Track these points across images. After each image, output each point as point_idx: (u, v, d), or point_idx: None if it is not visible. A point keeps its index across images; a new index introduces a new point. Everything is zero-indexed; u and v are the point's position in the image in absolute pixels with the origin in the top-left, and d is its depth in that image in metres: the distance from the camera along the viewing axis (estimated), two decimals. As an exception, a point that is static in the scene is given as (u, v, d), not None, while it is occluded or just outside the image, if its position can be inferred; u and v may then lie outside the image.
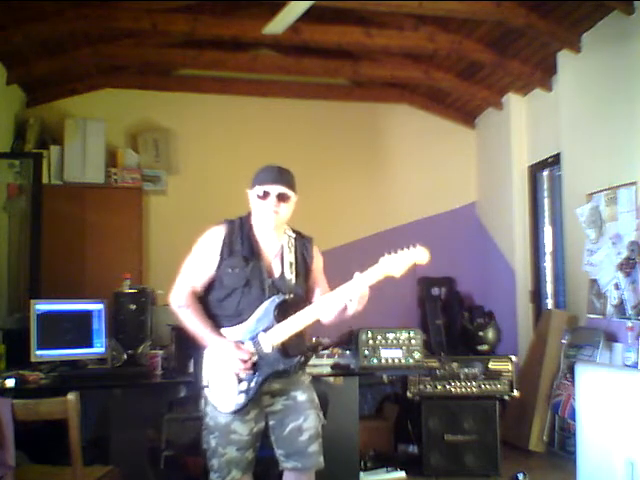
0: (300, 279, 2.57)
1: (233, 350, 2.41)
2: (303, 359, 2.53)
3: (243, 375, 2.43)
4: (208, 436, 2.50)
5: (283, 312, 2.45)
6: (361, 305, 2.43)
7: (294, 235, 2.64)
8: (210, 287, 2.56)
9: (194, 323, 2.51)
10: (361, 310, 2.46)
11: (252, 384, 2.43)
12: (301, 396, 2.57)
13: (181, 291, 2.55)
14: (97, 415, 3.49)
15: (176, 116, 6.29)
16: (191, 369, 3.20)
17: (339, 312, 2.48)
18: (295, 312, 2.46)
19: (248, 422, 2.48)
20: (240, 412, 2.45)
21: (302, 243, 2.64)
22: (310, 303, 2.56)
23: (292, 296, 2.51)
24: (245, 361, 2.41)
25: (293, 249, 2.59)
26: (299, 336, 2.51)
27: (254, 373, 2.43)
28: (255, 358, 2.43)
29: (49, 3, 4.58)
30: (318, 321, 2.53)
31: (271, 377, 2.46)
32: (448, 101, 6.83)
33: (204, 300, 2.57)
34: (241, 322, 2.48)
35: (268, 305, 2.45)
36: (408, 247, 2.37)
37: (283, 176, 2.53)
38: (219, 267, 2.51)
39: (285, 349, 2.45)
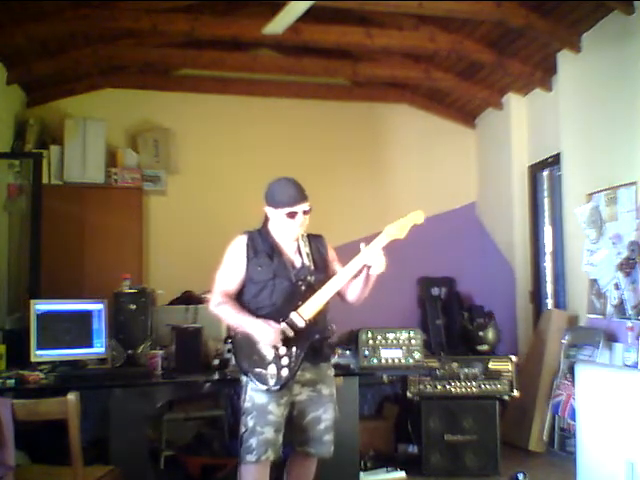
0: (319, 266, 2.90)
1: (264, 326, 2.69)
2: (334, 326, 2.92)
3: (279, 345, 2.68)
4: (246, 418, 2.73)
5: (309, 292, 2.79)
6: (382, 267, 2.75)
7: (305, 234, 2.97)
8: (243, 290, 2.87)
9: (231, 314, 2.80)
10: (384, 270, 2.76)
11: (293, 358, 2.71)
12: (325, 390, 2.86)
13: (216, 293, 2.86)
14: (97, 415, 3.49)
15: (176, 116, 6.28)
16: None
17: (361, 287, 2.84)
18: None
19: (281, 406, 2.73)
20: (283, 388, 2.69)
21: (315, 239, 3.00)
22: None
23: (314, 278, 2.83)
24: (279, 333, 2.67)
25: (308, 243, 2.95)
26: (323, 313, 2.84)
27: (291, 348, 2.70)
28: (291, 334, 2.69)
29: (49, 3, 4.58)
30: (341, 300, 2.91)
31: (309, 349, 2.73)
32: (448, 101, 6.83)
33: (241, 301, 2.85)
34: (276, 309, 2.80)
35: (295, 289, 2.79)
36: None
37: (301, 192, 2.85)
38: (247, 267, 2.84)
39: (316, 322, 2.78)
